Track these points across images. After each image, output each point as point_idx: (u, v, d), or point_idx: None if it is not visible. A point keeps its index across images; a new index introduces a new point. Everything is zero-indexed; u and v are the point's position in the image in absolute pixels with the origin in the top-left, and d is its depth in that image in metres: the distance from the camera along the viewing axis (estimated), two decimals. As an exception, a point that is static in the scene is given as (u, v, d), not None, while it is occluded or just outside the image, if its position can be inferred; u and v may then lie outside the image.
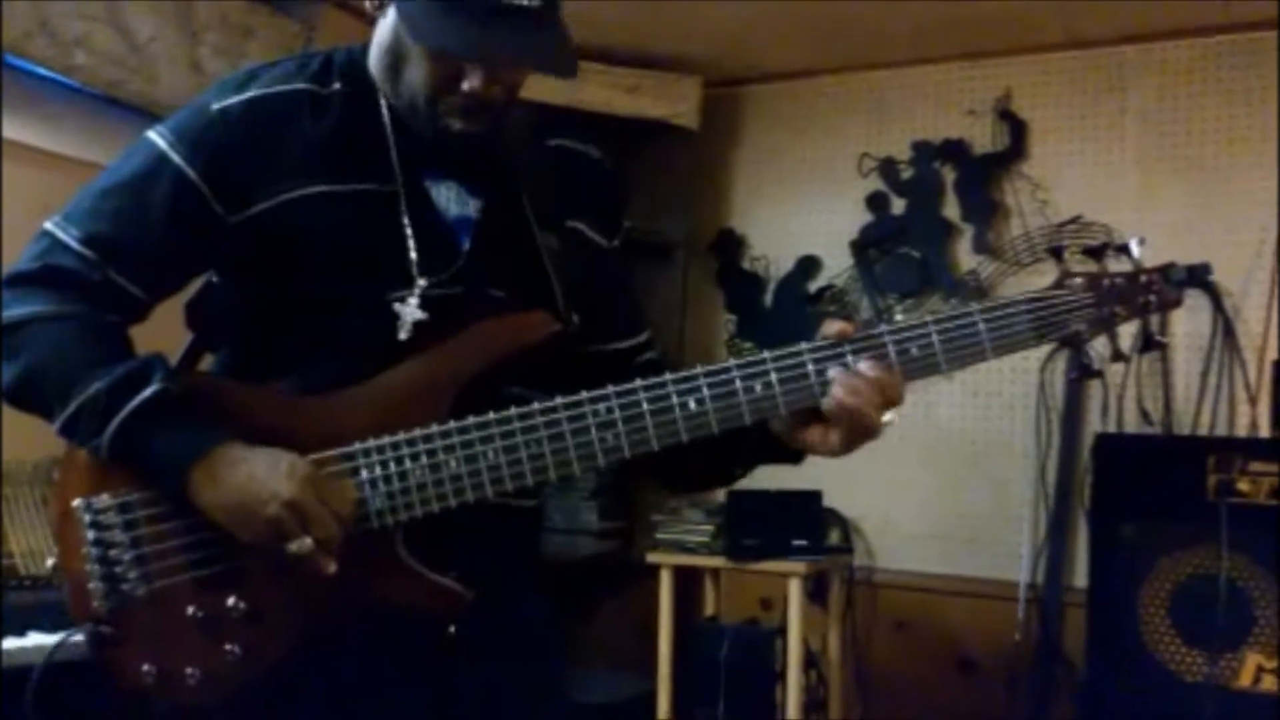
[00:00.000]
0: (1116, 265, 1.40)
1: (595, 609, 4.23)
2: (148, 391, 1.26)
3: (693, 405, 1.30)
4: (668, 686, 3.66)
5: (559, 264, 1.42)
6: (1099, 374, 1.40)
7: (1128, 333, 1.42)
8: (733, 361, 1.31)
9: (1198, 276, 1.39)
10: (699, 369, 1.32)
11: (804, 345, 1.32)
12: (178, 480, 1.27)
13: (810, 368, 1.31)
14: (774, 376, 1.31)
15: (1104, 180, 3.86)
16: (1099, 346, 1.41)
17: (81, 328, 1.31)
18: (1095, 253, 1.40)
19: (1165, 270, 1.38)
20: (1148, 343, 1.41)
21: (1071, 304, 1.36)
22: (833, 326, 1.33)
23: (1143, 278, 1.37)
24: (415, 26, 1.29)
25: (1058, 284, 1.37)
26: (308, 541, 1.24)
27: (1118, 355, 1.40)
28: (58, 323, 1.30)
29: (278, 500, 1.23)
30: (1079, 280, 1.37)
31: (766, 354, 1.32)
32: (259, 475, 1.25)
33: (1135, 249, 1.39)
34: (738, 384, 1.31)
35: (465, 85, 1.30)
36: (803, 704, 3.55)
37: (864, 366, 1.29)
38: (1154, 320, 1.43)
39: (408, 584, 1.31)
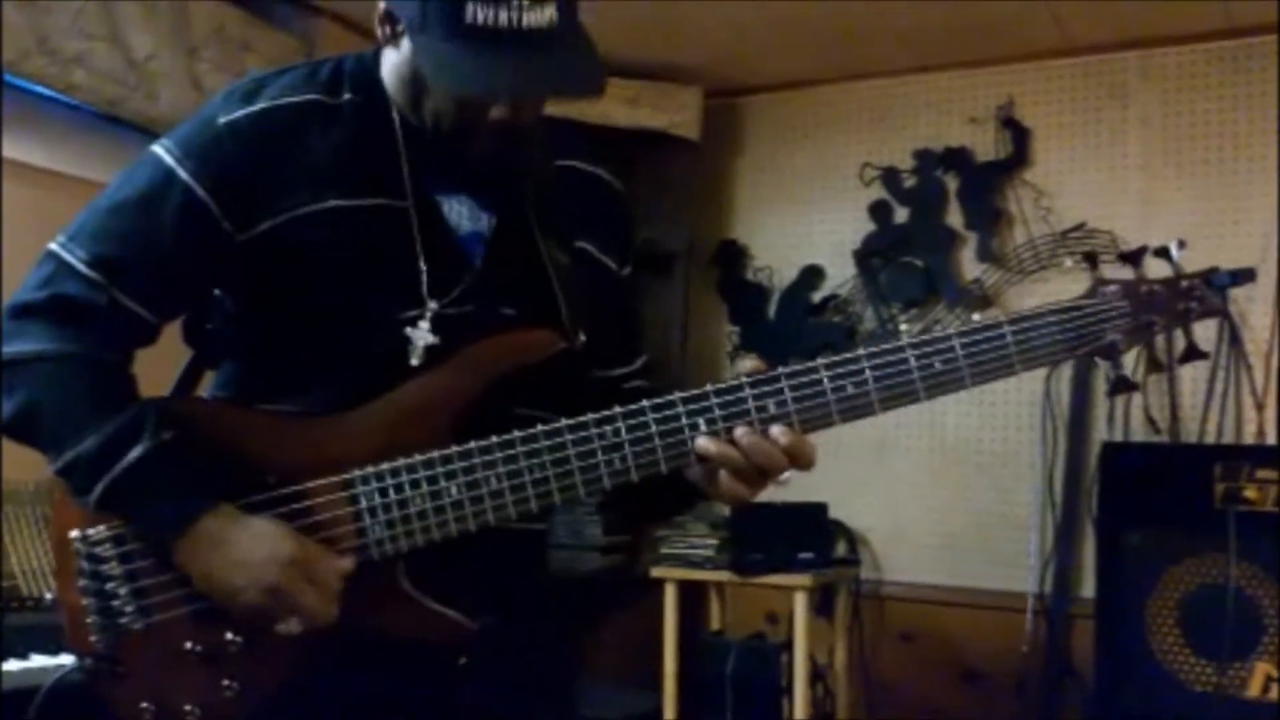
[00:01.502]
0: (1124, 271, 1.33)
1: (601, 624, 4.21)
2: (133, 454, 1.24)
3: (703, 426, 1.26)
4: (674, 702, 3.64)
5: (567, 281, 1.39)
6: (1136, 386, 1.31)
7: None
8: (744, 379, 1.27)
9: (1242, 281, 1.29)
10: (709, 387, 1.27)
11: (820, 361, 1.27)
12: (161, 553, 1.26)
13: (827, 384, 1.26)
14: (788, 395, 1.26)
15: (1107, 187, 3.85)
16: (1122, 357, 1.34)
17: (81, 371, 1.28)
18: (1131, 258, 1.30)
19: (1207, 275, 1.30)
20: (1190, 353, 1.31)
21: (1106, 313, 1.28)
22: (744, 364, 1.29)
23: (1183, 284, 1.30)
24: (436, 69, 1.25)
25: (1091, 292, 1.30)
26: (294, 623, 1.23)
27: (1155, 365, 1.31)
28: (58, 364, 1.27)
29: (257, 587, 1.22)
30: (1114, 288, 1.29)
31: (780, 370, 1.27)
32: (239, 558, 1.23)
33: (1175, 252, 1.31)
34: (750, 403, 1.26)
35: (493, 115, 1.28)
36: (810, 718, 3.53)
37: (776, 432, 1.25)
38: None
39: (410, 616, 1.29)
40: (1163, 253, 1.32)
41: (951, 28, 3.75)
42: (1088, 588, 3.65)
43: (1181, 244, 1.32)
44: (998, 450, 3.95)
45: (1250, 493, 3.13)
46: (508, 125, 1.29)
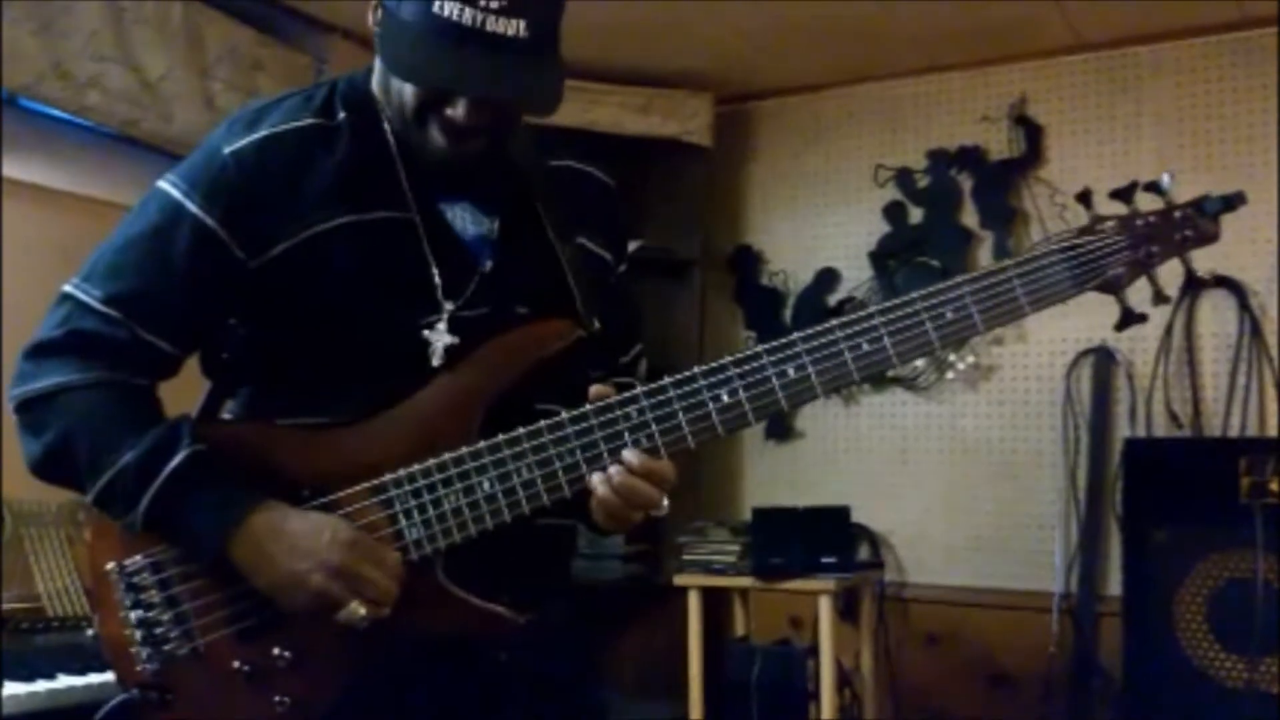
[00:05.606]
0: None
1: (624, 633, 4.20)
2: (176, 460, 1.25)
3: (725, 398, 1.28)
4: (699, 709, 3.62)
5: (578, 273, 1.41)
6: (1144, 318, 1.33)
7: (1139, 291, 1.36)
8: (761, 347, 1.28)
9: (1233, 205, 1.30)
10: (728, 359, 1.29)
11: (834, 321, 1.29)
12: (216, 555, 1.25)
13: (843, 345, 1.28)
14: (807, 359, 1.28)
15: (1122, 182, 3.80)
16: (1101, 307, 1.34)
17: (109, 396, 1.29)
18: (1124, 194, 1.32)
19: (1199, 203, 1.32)
20: (1189, 281, 1.35)
21: (1106, 248, 1.30)
22: (596, 391, 1.30)
23: (1176, 214, 1.31)
24: (392, 57, 1.29)
25: (1089, 228, 1.31)
26: (360, 610, 1.22)
27: (1159, 297, 1.33)
28: (85, 392, 1.28)
29: (323, 570, 1.22)
30: (1111, 223, 1.31)
31: (796, 335, 1.28)
32: (301, 545, 1.23)
33: (1167, 183, 1.32)
34: (769, 371, 1.28)
35: (448, 111, 1.29)
36: (838, 722, 3.51)
37: (630, 458, 1.27)
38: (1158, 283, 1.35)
39: (454, 613, 1.29)
40: (1153, 187, 1.33)
41: (962, 27, 3.75)
42: (1114, 586, 3.62)
43: (1172, 175, 1.33)
44: (1019, 449, 3.93)
45: (1276, 485, 3.10)
46: (464, 123, 1.29)
